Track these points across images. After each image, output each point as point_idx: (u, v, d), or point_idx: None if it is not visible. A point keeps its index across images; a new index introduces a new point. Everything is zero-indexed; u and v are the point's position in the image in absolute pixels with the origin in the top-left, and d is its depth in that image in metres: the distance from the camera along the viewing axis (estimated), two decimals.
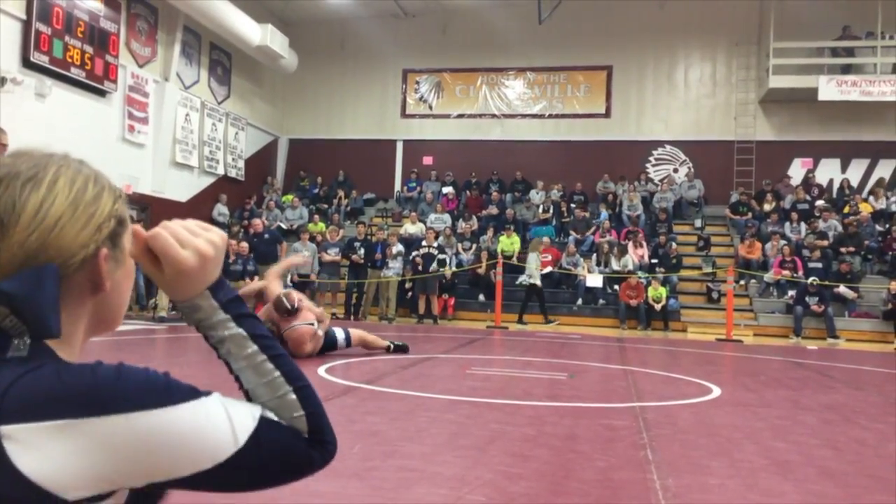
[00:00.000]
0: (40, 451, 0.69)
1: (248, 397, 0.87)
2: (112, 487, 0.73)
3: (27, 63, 12.01)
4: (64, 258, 0.78)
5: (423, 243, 14.49)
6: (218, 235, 0.88)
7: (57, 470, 0.69)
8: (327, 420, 0.89)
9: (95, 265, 0.81)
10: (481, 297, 15.15)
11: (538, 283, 14.36)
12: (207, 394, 0.79)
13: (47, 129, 12.37)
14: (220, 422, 0.78)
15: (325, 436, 0.88)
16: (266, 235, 14.21)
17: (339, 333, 7.48)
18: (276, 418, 0.84)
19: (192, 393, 0.78)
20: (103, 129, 13.91)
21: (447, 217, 17.35)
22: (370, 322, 13.55)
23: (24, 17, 11.97)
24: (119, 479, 0.73)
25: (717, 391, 5.99)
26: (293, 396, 0.86)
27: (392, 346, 7.71)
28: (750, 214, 16.84)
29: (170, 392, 0.76)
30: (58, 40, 12.54)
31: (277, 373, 0.87)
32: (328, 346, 7.29)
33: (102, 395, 0.72)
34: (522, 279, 14.72)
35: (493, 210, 17.87)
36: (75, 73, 12.96)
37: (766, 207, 16.86)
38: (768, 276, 14.64)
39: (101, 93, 13.78)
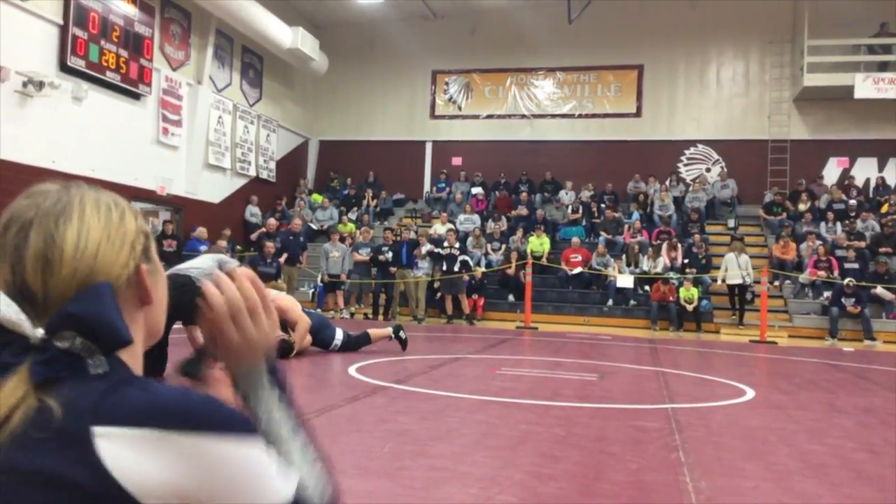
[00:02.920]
0: (129, 454, 0.73)
1: None
2: (182, 503, 0.76)
3: (64, 67, 12.24)
4: (111, 279, 0.82)
5: (445, 244, 14.51)
6: (273, 325, 0.92)
7: (140, 474, 0.73)
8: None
9: (140, 281, 0.86)
10: (511, 298, 15.13)
11: (742, 281, 14.05)
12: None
13: (83, 133, 12.61)
14: (276, 467, 0.81)
15: None
16: (301, 237, 14.30)
17: (338, 334, 7.56)
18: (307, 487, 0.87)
19: (255, 427, 0.83)
20: (138, 132, 14.13)
21: (476, 217, 17.35)
22: (400, 322, 13.58)
23: (60, 22, 12.20)
24: (192, 495, 0.75)
25: (750, 393, 5.92)
26: (320, 468, 0.91)
27: (394, 332, 7.88)
28: (784, 214, 16.59)
29: (247, 423, 0.81)
30: (94, 45, 12.77)
31: (308, 444, 0.92)
32: (321, 341, 7.41)
33: (195, 413, 0.76)
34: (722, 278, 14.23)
35: (523, 211, 17.82)
36: (111, 76, 13.18)
37: (801, 207, 16.59)
38: (803, 277, 14.41)
39: (136, 96, 14.00)
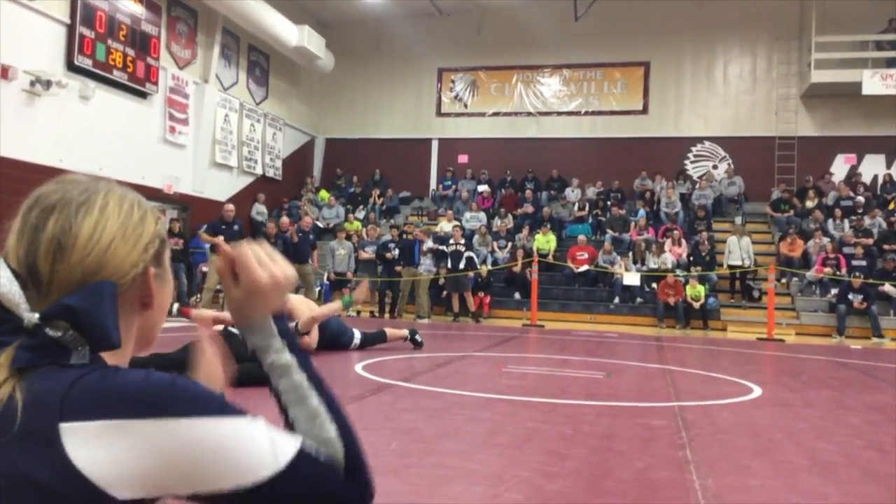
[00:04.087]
0: (95, 448, 0.73)
1: (292, 430, 0.91)
2: (158, 493, 0.76)
3: (71, 66, 12.28)
4: (118, 276, 0.83)
5: (451, 241, 14.50)
6: (290, 271, 0.95)
7: (109, 467, 0.73)
8: (365, 460, 0.91)
9: (145, 283, 0.88)
10: (517, 296, 15.12)
11: (742, 263, 14.65)
12: (254, 416, 0.82)
13: (91, 131, 12.66)
14: (264, 441, 0.81)
15: (360, 475, 0.90)
16: (311, 235, 14.22)
17: (356, 334, 7.53)
18: (314, 451, 0.87)
19: (240, 411, 0.81)
20: (145, 131, 14.18)
21: (482, 215, 17.35)
22: (405, 320, 13.59)
23: (68, 21, 12.24)
24: (165, 483, 0.75)
25: (757, 391, 5.90)
26: (334, 434, 0.90)
27: (410, 335, 7.89)
28: (792, 211, 16.53)
29: (220, 405, 0.80)
30: (101, 44, 12.81)
31: (322, 408, 0.91)
32: (342, 345, 7.37)
33: (156, 398, 0.76)
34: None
35: (529, 208, 17.80)
36: (118, 75, 13.22)
37: (809, 204, 16.54)
38: (810, 274, 14.36)
39: (143, 95, 14.04)
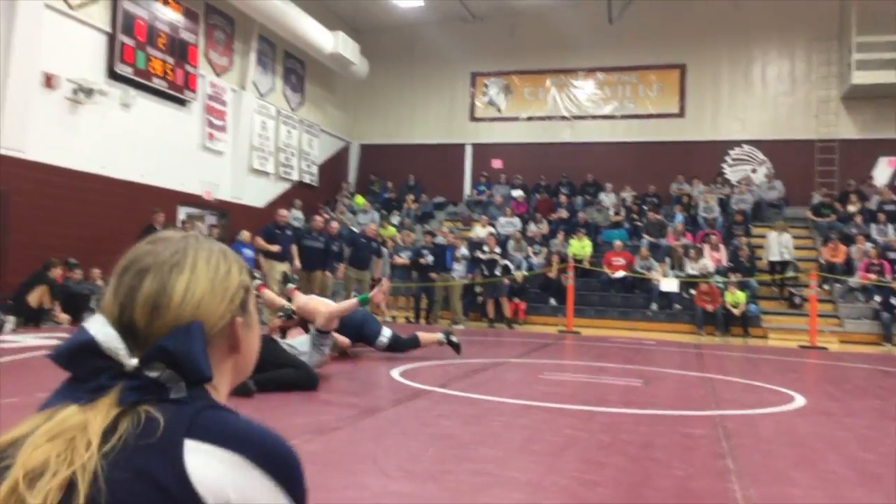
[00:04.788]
0: (211, 470, 0.82)
1: None
2: None
3: (112, 74, 12.53)
4: (207, 328, 0.91)
5: (485, 248, 14.46)
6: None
7: (217, 490, 0.82)
8: None
9: (232, 331, 0.96)
10: (552, 302, 15.04)
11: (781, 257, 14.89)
12: None
13: (131, 138, 12.89)
14: None
15: None
16: (374, 243, 14.10)
17: (385, 331, 7.42)
18: None
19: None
20: (184, 138, 14.40)
21: (517, 220, 17.30)
22: (441, 326, 13.60)
23: (109, 30, 12.49)
24: None
25: (800, 400, 5.79)
26: None
27: (445, 339, 7.70)
28: (833, 216, 16.20)
29: (303, 493, 0.89)
30: (141, 52, 13.05)
31: None
32: (367, 336, 7.29)
33: (278, 460, 0.86)
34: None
35: (563, 213, 17.71)
36: (157, 83, 13.45)
37: (851, 209, 16.19)
38: (854, 281, 14.06)
39: (182, 102, 14.27)
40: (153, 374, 0.86)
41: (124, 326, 0.88)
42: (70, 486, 0.79)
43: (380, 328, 7.44)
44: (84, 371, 0.87)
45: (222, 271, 0.96)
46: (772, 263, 15.01)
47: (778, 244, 14.94)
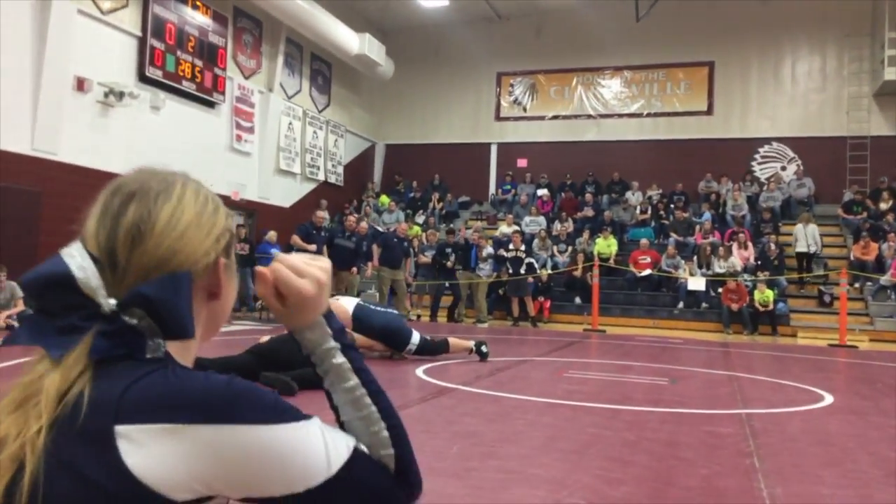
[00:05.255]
0: (150, 451, 0.74)
1: (344, 430, 0.91)
2: (210, 493, 0.78)
3: (143, 77, 12.73)
4: (190, 265, 0.85)
5: (511, 246, 14.45)
6: (326, 264, 0.94)
7: (163, 471, 0.74)
8: (415, 461, 0.93)
9: (215, 273, 0.89)
10: (577, 300, 14.99)
11: (808, 249, 15.00)
12: (309, 417, 0.83)
13: (161, 140, 13.08)
14: (318, 446, 0.82)
15: (411, 476, 0.91)
16: (405, 242, 14.14)
17: (414, 337, 7.05)
18: (367, 453, 0.88)
19: (296, 414, 0.82)
20: (212, 139, 14.58)
21: (542, 219, 17.26)
22: (465, 325, 13.62)
23: (139, 33, 12.69)
24: (218, 486, 0.77)
25: (829, 398, 5.72)
26: (385, 434, 0.91)
27: (476, 347, 7.32)
28: (865, 213, 15.95)
29: (277, 410, 0.80)
30: (170, 55, 13.24)
31: (374, 408, 0.92)
32: (394, 342, 7.02)
33: (213, 404, 0.77)
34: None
35: (589, 212, 17.63)
36: (187, 86, 13.63)
37: (883, 206, 15.93)
38: (885, 279, 13.83)
39: (211, 104, 14.44)
40: (131, 320, 0.80)
41: (105, 255, 0.82)
42: (20, 468, 0.73)
43: (409, 334, 7.09)
44: (56, 306, 0.80)
45: (210, 207, 0.90)
46: (799, 255, 15.04)
47: (805, 236, 14.97)
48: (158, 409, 0.75)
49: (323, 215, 13.53)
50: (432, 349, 7.22)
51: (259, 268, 0.91)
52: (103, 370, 0.78)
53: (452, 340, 7.41)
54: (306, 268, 0.91)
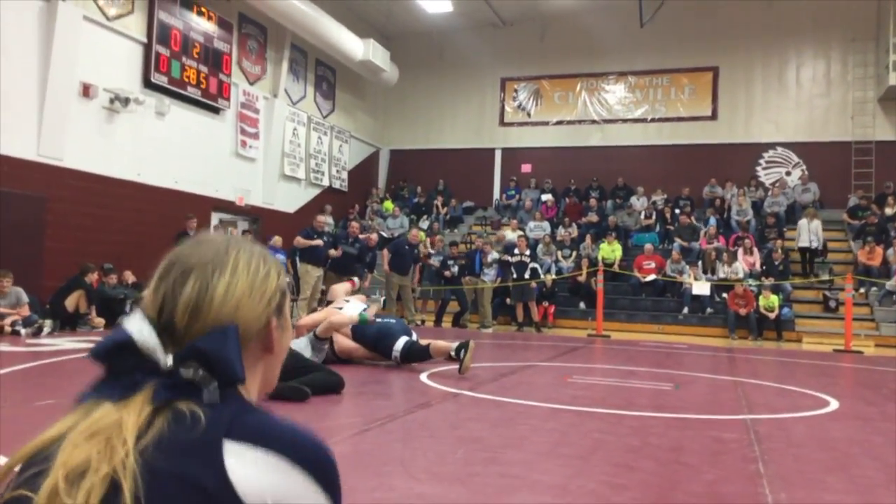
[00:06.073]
0: (251, 471, 0.83)
1: None
2: None
3: (148, 83, 12.77)
4: (244, 329, 0.92)
5: (516, 251, 14.44)
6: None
7: (257, 490, 0.82)
8: None
9: (268, 333, 0.97)
10: (582, 305, 14.97)
11: (810, 245, 15.06)
12: None
13: (167, 146, 13.13)
14: None
15: None
16: (415, 249, 14.14)
17: (397, 344, 6.91)
18: None
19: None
20: (217, 145, 14.62)
21: (546, 224, 17.26)
22: (469, 330, 13.61)
23: (145, 40, 12.74)
24: None
25: (834, 404, 5.71)
26: None
27: (455, 353, 6.67)
28: (875, 219, 15.90)
29: (340, 494, 0.90)
30: (175, 61, 13.28)
31: None
32: (382, 350, 6.98)
33: (318, 459, 0.88)
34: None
35: (593, 217, 17.63)
36: (192, 92, 13.68)
37: (888, 211, 15.89)
38: (891, 284, 13.78)
39: (216, 110, 14.48)
40: (186, 372, 0.87)
41: (163, 326, 0.90)
42: (112, 486, 0.79)
43: (394, 343, 6.97)
44: (120, 368, 0.88)
45: (262, 274, 0.97)
46: (801, 250, 15.15)
47: (808, 231, 15.05)
48: (266, 438, 0.85)
49: (324, 220, 13.56)
50: (415, 355, 6.96)
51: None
52: (171, 409, 0.86)
53: (435, 344, 7.00)
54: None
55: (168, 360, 0.87)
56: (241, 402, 0.89)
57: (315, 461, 0.87)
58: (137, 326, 0.89)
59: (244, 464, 0.83)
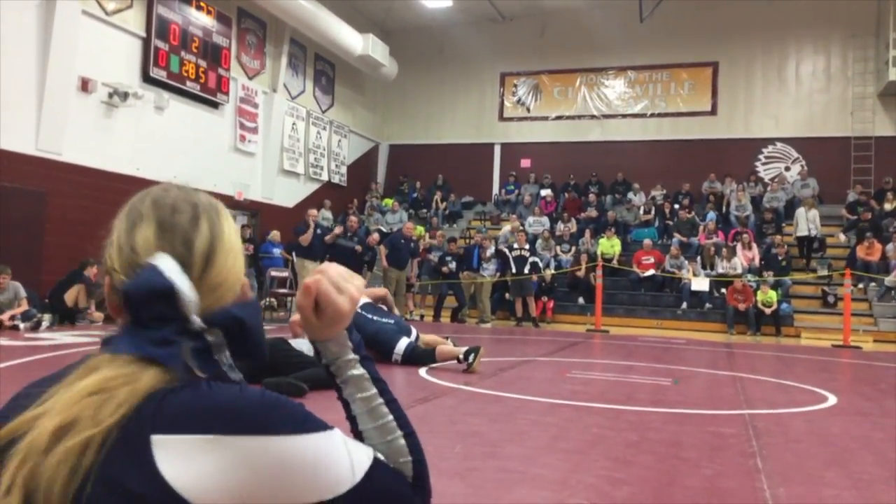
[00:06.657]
0: (185, 461, 0.74)
1: (361, 439, 0.93)
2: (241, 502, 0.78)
3: (147, 78, 12.75)
4: (236, 282, 0.88)
5: (515, 246, 14.45)
6: (360, 282, 0.97)
7: (197, 480, 0.74)
8: (428, 469, 0.96)
9: (244, 292, 0.92)
10: (581, 300, 14.98)
11: (808, 233, 15.39)
12: (332, 428, 0.85)
13: (165, 141, 13.11)
14: (343, 455, 0.84)
15: (426, 483, 0.95)
16: (412, 244, 14.20)
17: (400, 346, 6.75)
18: (385, 462, 0.91)
19: (323, 424, 0.84)
20: (216, 140, 14.60)
21: (545, 219, 17.26)
22: (468, 325, 13.62)
23: (143, 34, 12.71)
24: (250, 497, 0.77)
25: (832, 399, 5.71)
26: (402, 442, 0.93)
27: (463, 356, 6.55)
28: (869, 214, 15.92)
29: (307, 421, 0.82)
30: (174, 56, 13.26)
31: (390, 417, 0.94)
32: (381, 350, 6.72)
33: (249, 415, 0.78)
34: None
35: (592, 212, 17.63)
36: (191, 86, 13.65)
37: (887, 206, 15.90)
38: (889, 280, 13.80)
39: (215, 105, 14.46)
40: (211, 337, 0.81)
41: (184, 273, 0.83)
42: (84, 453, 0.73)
43: (393, 341, 6.81)
44: (150, 317, 0.80)
45: (236, 226, 0.94)
46: (799, 239, 15.33)
47: (806, 220, 15.23)
48: (196, 419, 0.76)
49: (315, 213, 13.54)
50: (418, 359, 6.80)
51: (307, 281, 0.93)
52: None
53: (441, 348, 6.86)
54: (345, 285, 0.93)
55: (198, 321, 0.81)
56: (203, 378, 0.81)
57: (247, 415, 0.78)
58: (176, 275, 0.81)
59: (178, 458, 0.74)
